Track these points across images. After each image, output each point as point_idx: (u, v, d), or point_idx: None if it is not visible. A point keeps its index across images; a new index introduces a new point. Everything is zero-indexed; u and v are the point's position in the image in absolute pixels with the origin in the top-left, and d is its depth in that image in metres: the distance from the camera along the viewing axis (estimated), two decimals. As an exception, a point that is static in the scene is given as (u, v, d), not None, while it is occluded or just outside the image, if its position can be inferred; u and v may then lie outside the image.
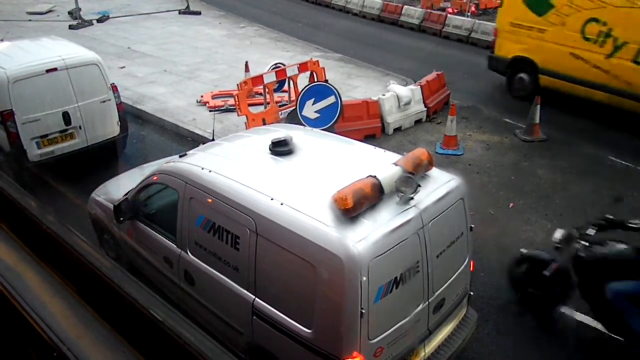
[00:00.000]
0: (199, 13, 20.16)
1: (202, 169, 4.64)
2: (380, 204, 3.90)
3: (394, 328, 3.90)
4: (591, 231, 5.28)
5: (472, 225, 4.67)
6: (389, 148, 9.95)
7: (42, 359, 0.89)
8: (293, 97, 10.53)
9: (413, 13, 18.94)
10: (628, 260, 5.02)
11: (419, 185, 3.95)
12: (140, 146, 9.92)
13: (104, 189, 6.34)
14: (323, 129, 9.31)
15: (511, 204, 7.82)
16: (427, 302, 4.15)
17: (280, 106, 10.24)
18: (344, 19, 20.98)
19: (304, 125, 9.48)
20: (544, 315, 5.61)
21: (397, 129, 10.31)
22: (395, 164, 4.14)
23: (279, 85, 10.39)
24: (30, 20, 17.98)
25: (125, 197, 5.46)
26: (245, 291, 4.23)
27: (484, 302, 5.91)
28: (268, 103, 10.10)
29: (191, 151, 5.31)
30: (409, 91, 10.40)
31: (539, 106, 9.75)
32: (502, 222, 7.44)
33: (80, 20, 17.92)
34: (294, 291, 3.97)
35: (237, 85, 10.27)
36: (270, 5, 22.62)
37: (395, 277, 3.79)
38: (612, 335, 5.16)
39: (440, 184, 4.33)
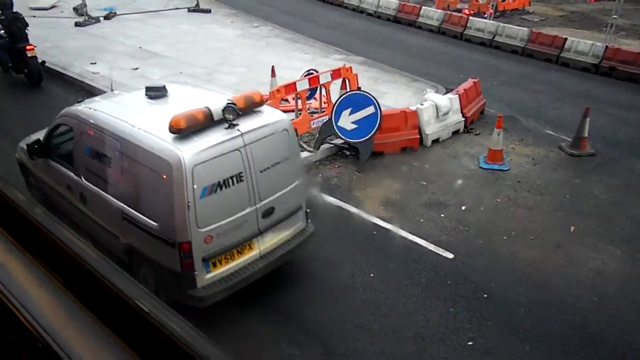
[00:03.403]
0: (209, 11, 19.44)
1: (89, 109, 5.80)
2: (212, 128, 5.00)
3: (221, 222, 5.02)
4: None
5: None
6: (428, 163, 9.49)
7: (26, 350, 0.89)
8: (324, 105, 9.94)
9: (432, 14, 18.34)
10: None
11: (240, 114, 5.08)
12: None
13: (29, 139, 6.82)
14: (361, 142, 8.80)
15: (572, 228, 7.27)
16: (255, 207, 5.31)
17: (309, 113, 9.64)
18: (359, 19, 20.35)
19: (341, 138, 8.92)
20: None
21: (435, 141, 9.72)
22: (229, 100, 5.14)
23: (311, 93, 9.77)
24: (34, 16, 17.14)
25: (37, 139, 6.47)
26: (117, 201, 5.35)
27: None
28: (299, 111, 9.47)
29: (89, 99, 6.51)
30: (447, 100, 9.82)
31: (588, 119, 9.21)
32: (566, 249, 6.88)
33: (86, 17, 17.15)
34: (145, 194, 5.09)
35: (270, 93, 9.71)
36: (281, 3, 21.95)
37: (219, 182, 4.93)
38: None
39: (266, 117, 5.44)
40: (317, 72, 9.63)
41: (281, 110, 9.70)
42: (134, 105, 5.87)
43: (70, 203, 6.15)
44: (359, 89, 10.10)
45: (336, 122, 8.86)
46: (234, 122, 5.05)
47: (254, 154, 5.16)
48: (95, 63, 13.20)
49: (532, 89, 12.63)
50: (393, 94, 11.77)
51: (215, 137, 4.94)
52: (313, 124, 9.45)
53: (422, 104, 9.62)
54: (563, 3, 23.29)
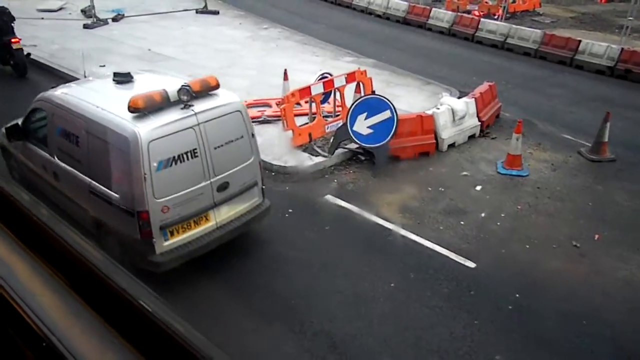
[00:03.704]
0: (217, 12, 19.33)
1: (61, 93, 6.28)
2: (169, 108, 5.42)
3: (177, 194, 5.44)
4: None
5: (253, 131, 6.19)
6: (444, 167, 9.31)
7: (30, 349, 0.89)
8: (338, 109, 9.79)
9: (442, 16, 18.17)
10: None
11: (194, 95, 5.52)
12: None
13: (11, 124, 7.11)
14: (377, 147, 8.64)
15: (597, 236, 7.08)
16: (209, 181, 5.72)
17: (322, 116, 9.49)
18: (367, 21, 20.21)
19: (356, 142, 8.76)
20: None
21: (451, 145, 9.55)
22: (184, 83, 5.56)
23: (325, 97, 9.61)
24: (42, 18, 17.10)
25: (15, 122, 6.93)
26: (85, 177, 5.79)
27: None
28: (314, 115, 9.32)
29: (64, 84, 6.91)
30: (464, 104, 9.65)
31: (608, 124, 9.02)
32: (591, 258, 6.70)
33: (94, 19, 17.06)
34: (108, 168, 5.52)
35: (284, 97, 9.60)
36: (288, 5, 21.83)
37: (174, 156, 5.36)
38: None
39: (220, 99, 5.85)
40: (331, 75, 9.48)
41: (295, 114, 9.66)
42: (102, 90, 6.40)
43: (45, 181, 6.58)
44: (373, 92, 9.95)
45: (351, 126, 8.70)
46: (189, 103, 5.52)
47: (207, 132, 5.62)
48: (104, 65, 13.05)
49: (546, 92, 12.44)
50: (406, 97, 11.58)
51: (170, 116, 5.41)
52: (327, 128, 9.30)
53: (438, 108, 9.45)
54: (573, 4, 23.07)
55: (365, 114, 8.65)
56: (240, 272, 6.31)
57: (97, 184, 5.65)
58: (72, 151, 5.95)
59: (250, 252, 6.73)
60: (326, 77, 9.41)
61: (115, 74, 6.23)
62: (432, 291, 6.08)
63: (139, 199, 5.24)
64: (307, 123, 9.37)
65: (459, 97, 10.63)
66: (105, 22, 17.29)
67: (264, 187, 6.53)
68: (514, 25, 16.21)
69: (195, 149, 5.52)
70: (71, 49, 14.54)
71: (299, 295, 6.01)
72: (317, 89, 9.00)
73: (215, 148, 5.70)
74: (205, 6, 19.37)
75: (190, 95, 5.49)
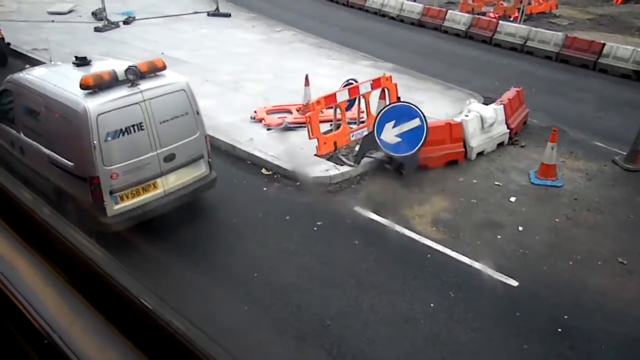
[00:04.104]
0: (229, 15, 19.04)
1: (26, 75, 6.89)
2: (117, 86, 6.04)
3: (126, 162, 6.04)
4: None
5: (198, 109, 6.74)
6: (475, 177, 8.97)
7: (32, 347, 0.90)
8: (363, 116, 9.48)
9: (459, 18, 17.84)
10: None
11: (139, 75, 6.11)
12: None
13: None
14: (406, 156, 8.32)
15: (643, 252, 6.75)
16: (156, 152, 6.30)
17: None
18: (381, 23, 19.90)
19: (384, 152, 8.44)
20: None
21: (480, 154, 9.22)
22: (131, 64, 6.17)
23: (349, 104, 9.30)
24: (53, 21, 16.85)
25: None
26: (45, 149, 6.37)
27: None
28: (338, 122, 9.01)
29: (31, 68, 7.67)
30: (492, 111, 9.32)
31: (646, 131, 8.69)
32: (640, 276, 6.37)
33: (106, 22, 16.79)
34: (64, 140, 6.15)
35: (308, 104, 9.34)
36: (300, 7, 21.55)
37: (121, 129, 5.95)
38: None
39: (166, 80, 6.46)
40: (356, 81, 9.16)
41: (321, 120, 9.35)
42: (62, 72, 6.94)
43: (15, 157, 7.11)
44: (398, 99, 9.65)
45: (379, 135, 8.38)
46: (135, 82, 6.12)
47: (153, 108, 6.20)
48: (117, 70, 12.80)
49: (572, 97, 12.11)
50: (429, 103, 11.23)
51: (117, 93, 6.03)
52: (352, 136, 8.99)
53: (466, 115, 9.13)
54: (589, 6, 22.71)
55: (393, 122, 8.33)
56: (272, 288, 6.02)
57: (55, 155, 6.27)
58: (34, 126, 6.57)
59: (281, 267, 6.43)
60: (351, 83, 9.10)
61: (75, 58, 6.83)
62: (474, 312, 5.76)
63: (90, 166, 5.89)
64: (330, 131, 9.06)
65: (484, 103, 10.29)
66: (116, 25, 17.03)
67: (210, 160, 7.04)
68: (533, 28, 15.86)
69: (142, 122, 6.15)
70: (83, 53, 14.25)
71: (333, 316, 5.70)
72: (343, 96, 8.70)
73: (160, 123, 6.30)
74: (217, 9, 19.09)
75: (136, 75, 6.12)
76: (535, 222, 7.40)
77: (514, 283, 6.18)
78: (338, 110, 8.91)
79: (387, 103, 9.52)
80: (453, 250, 6.77)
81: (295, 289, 6.11)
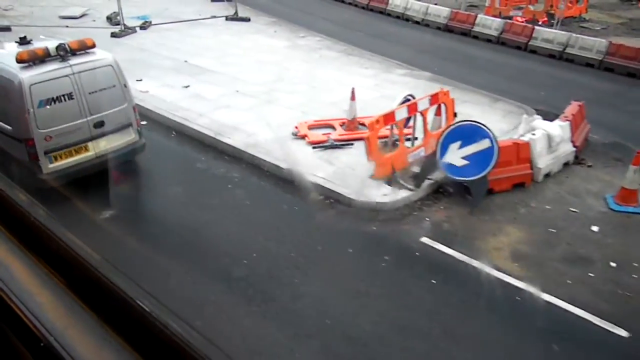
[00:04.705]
0: (248, 20, 18.27)
1: None
2: (50, 61, 6.92)
3: (58, 127, 6.94)
4: None
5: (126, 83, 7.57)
6: (547, 203, 8.21)
7: (28, 349, 0.90)
8: (418, 134, 8.76)
9: (490, 23, 17.12)
10: None
11: (70, 52, 7.01)
12: (240, 193, 8.10)
13: None
14: (473, 180, 7.61)
15: None
16: (86, 119, 7.16)
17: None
18: (405, 28, 19.15)
19: (449, 176, 7.71)
20: None
21: (546, 175, 8.50)
22: (62, 41, 7.05)
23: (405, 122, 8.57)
24: (67, 26, 16.04)
25: None
26: None
27: None
28: (396, 142, 8.28)
29: None
30: (559, 128, 8.61)
31: None
32: None
33: (122, 27, 16.03)
34: (4, 108, 7.01)
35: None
36: (319, 10, 20.80)
37: (52, 97, 6.85)
38: None
39: (95, 56, 7.30)
40: (413, 97, 8.44)
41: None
42: (6, 50, 7.47)
43: None
44: (455, 115, 8.94)
45: (442, 156, 7.68)
46: (66, 57, 7.01)
47: (82, 80, 7.07)
48: (141, 80, 12.04)
49: (628, 110, 11.41)
50: (479, 117, 10.36)
51: (49, 67, 6.92)
52: (410, 157, 8.26)
53: (533, 134, 8.40)
54: (617, 9, 22.04)
55: (458, 143, 7.63)
56: (350, 339, 5.29)
57: (2, 124, 7.06)
58: None
59: (354, 313, 5.70)
60: (409, 99, 8.38)
61: (20, 38, 7.47)
62: (587, 371, 5.05)
63: (25, 129, 6.78)
64: (385, 147, 8.32)
65: (546, 119, 9.57)
66: (133, 30, 16.27)
67: (139, 128, 7.88)
68: (573, 34, 15.13)
69: (71, 92, 7.01)
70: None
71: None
72: (401, 114, 7.97)
73: (89, 93, 7.15)
74: (236, 13, 18.32)
75: (66, 51, 7.00)
76: (627, 256, 6.69)
77: (624, 333, 5.46)
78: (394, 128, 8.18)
79: (443, 119, 8.83)
80: (543, 292, 6.04)
81: (377, 340, 5.39)
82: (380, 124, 7.71)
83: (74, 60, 7.06)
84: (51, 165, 7.02)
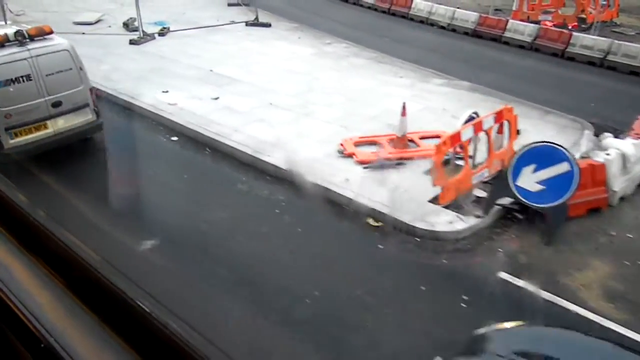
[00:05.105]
0: (269, 25, 17.58)
1: None
2: (9, 46, 7.53)
3: (17, 106, 7.58)
4: None
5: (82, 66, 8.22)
6: (628, 230, 7.50)
7: (28, 350, 0.89)
8: (482, 155, 8.06)
9: (522, 29, 16.44)
10: None
11: (28, 38, 7.61)
12: (289, 219, 7.41)
13: None
14: (551, 207, 6.92)
15: None
16: (44, 99, 7.79)
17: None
18: (431, 33, 18.46)
19: (522, 202, 7.02)
20: None
21: (621, 198, 7.82)
22: (20, 28, 7.83)
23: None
24: (83, 33, 15.34)
25: None
26: None
27: None
28: (458, 164, 7.60)
29: None
30: (633, 147, 7.93)
31: None
32: None
33: (141, 34, 15.35)
34: None
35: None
36: (339, 15, 20.11)
37: (12, 78, 7.49)
38: None
39: (52, 41, 7.95)
40: (477, 115, 7.75)
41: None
42: None
43: None
44: (518, 132, 8.27)
45: (514, 179, 6.98)
46: (24, 42, 7.53)
47: (39, 64, 7.61)
48: (167, 91, 11.37)
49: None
50: (532, 132, 9.77)
51: (7, 51, 7.44)
52: (474, 179, 7.58)
53: (607, 154, 7.72)
54: (644, 13, 21.37)
55: (533, 166, 6.92)
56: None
57: None
58: None
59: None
60: (473, 117, 7.68)
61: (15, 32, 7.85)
62: None
63: None
64: (448, 171, 7.63)
65: (607, 135, 8.91)
66: (152, 36, 15.60)
67: (96, 108, 8.42)
68: (615, 41, 14.45)
69: (29, 74, 7.54)
70: (124, 69, 12.84)
71: None
72: (467, 134, 7.29)
73: (47, 75, 7.69)
74: (257, 18, 17.63)
75: (24, 37, 7.54)
76: None
77: None
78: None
79: (506, 137, 8.16)
80: (650, 339, 5.36)
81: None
82: (447, 146, 7.03)
83: (32, 45, 7.63)
84: (12, 141, 7.56)
